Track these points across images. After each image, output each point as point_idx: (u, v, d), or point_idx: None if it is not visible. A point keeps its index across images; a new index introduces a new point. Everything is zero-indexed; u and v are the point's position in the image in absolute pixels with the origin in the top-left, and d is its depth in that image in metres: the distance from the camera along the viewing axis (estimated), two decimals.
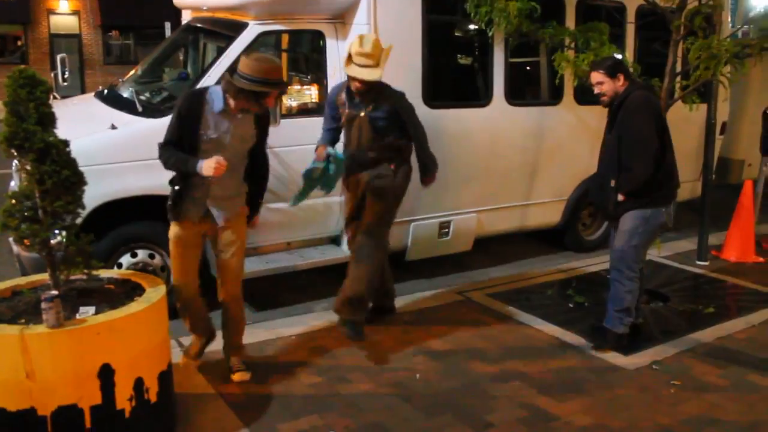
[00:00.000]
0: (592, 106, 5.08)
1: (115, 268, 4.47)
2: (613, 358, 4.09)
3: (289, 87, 3.50)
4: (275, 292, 5.32)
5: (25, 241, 3.00)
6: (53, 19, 22.03)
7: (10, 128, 2.78)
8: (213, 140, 3.37)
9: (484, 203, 5.73)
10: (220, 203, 3.52)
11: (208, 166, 3.26)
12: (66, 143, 2.93)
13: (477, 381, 3.79)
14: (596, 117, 5.24)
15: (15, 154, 2.86)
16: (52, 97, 6.37)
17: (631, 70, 5.11)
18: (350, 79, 4.10)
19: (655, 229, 4.12)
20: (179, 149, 3.37)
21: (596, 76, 4.01)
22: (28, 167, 2.85)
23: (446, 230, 5.62)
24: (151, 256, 4.66)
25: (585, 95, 5.48)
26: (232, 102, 3.35)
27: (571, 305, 4.97)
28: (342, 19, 4.94)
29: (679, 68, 5.14)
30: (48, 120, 2.88)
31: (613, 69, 3.98)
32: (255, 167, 3.65)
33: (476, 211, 5.71)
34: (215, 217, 3.53)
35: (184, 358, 3.89)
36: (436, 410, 3.47)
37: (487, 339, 4.38)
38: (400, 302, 4.95)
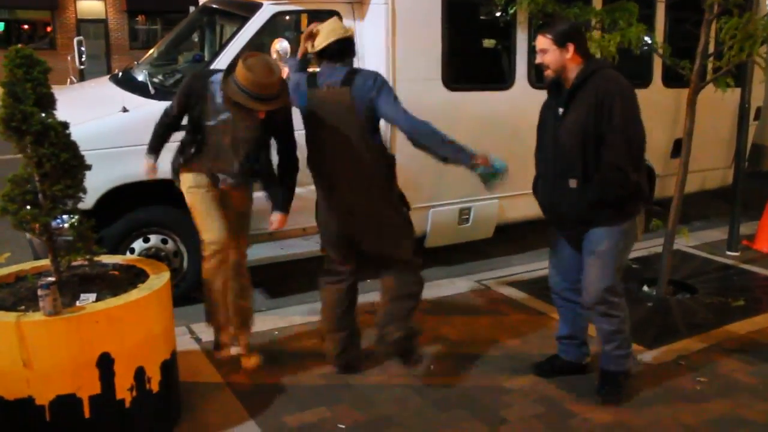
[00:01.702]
0: None
1: (128, 253, 4.43)
2: (636, 351, 3.91)
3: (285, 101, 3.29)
4: (289, 279, 5.23)
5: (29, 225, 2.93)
6: (80, 4, 22.23)
7: (6, 109, 2.69)
8: (212, 127, 3.29)
9: (506, 189, 5.52)
10: (222, 171, 3.47)
11: (145, 168, 3.47)
12: (65, 125, 2.84)
13: (492, 373, 3.66)
14: None
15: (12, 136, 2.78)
16: (69, 80, 6.36)
17: (660, 50, 4.90)
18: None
19: (631, 244, 3.34)
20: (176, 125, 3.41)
21: (541, 41, 3.19)
22: (27, 150, 2.77)
23: (466, 217, 5.49)
24: (164, 242, 4.60)
25: None
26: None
27: None
28: None
29: (711, 50, 4.91)
30: (47, 101, 2.79)
31: (563, 37, 3.12)
32: (280, 159, 3.52)
33: (497, 198, 5.55)
34: (221, 179, 3.47)
35: (222, 353, 3.74)
36: (448, 404, 3.35)
37: (504, 329, 4.24)
38: None
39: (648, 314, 4.48)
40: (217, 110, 3.29)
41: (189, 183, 3.50)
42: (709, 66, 4.85)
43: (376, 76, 3.34)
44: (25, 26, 23.13)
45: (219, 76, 3.32)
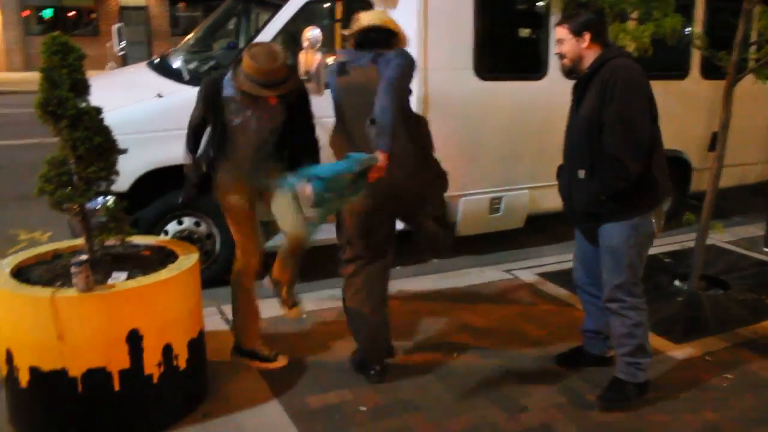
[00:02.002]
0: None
1: (162, 235, 4.54)
2: (664, 346, 3.88)
3: (294, 84, 3.25)
4: (321, 264, 5.28)
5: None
6: None
7: (43, 94, 2.79)
8: (238, 126, 3.29)
9: (538, 179, 5.53)
10: (254, 171, 3.45)
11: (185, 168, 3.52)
12: (99, 110, 2.93)
13: (516, 362, 3.67)
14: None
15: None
16: (108, 66, 6.52)
17: (697, 42, 4.81)
18: None
19: (647, 240, 3.22)
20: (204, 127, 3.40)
21: (558, 31, 3.23)
22: (63, 134, 2.87)
23: (497, 206, 5.48)
24: (197, 224, 4.71)
25: None
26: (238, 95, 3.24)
27: None
28: None
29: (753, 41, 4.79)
30: (81, 87, 2.88)
31: (579, 26, 3.12)
32: (301, 145, 3.46)
33: (529, 188, 5.53)
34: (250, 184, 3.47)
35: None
36: (469, 391, 3.38)
37: (531, 320, 4.24)
38: (446, 278, 4.86)
39: (678, 309, 4.43)
40: (236, 109, 3.26)
41: (226, 199, 3.47)
42: (751, 57, 4.74)
43: (405, 53, 3.32)
44: (72, 13, 23.64)
45: (229, 77, 3.29)
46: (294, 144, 3.44)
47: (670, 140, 3.62)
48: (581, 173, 3.14)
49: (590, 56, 3.15)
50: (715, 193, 4.59)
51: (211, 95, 3.29)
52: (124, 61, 9.38)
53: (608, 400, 3.26)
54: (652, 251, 5.16)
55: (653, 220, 3.19)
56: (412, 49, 4.71)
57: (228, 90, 3.25)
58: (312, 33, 4.19)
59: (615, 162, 3.01)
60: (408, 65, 3.29)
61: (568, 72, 3.29)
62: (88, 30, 22.38)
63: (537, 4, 5.16)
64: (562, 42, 3.19)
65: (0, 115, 12.76)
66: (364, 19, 3.36)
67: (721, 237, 5.47)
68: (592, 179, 3.10)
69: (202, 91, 3.34)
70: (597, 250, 3.28)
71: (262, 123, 3.33)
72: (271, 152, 3.46)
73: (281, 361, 3.61)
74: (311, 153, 3.48)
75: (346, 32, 3.45)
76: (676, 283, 4.85)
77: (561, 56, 3.23)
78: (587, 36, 3.12)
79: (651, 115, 3.09)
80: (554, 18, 5.21)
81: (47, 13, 23.06)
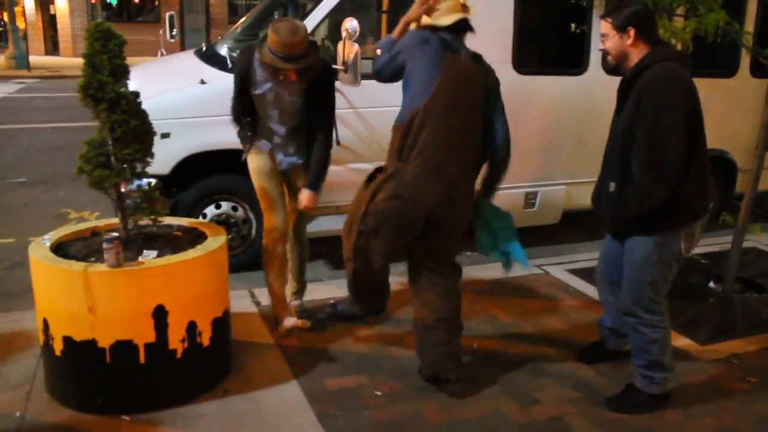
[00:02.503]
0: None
1: (200, 218, 4.70)
2: (689, 345, 3.84)
3: (312, 59, 3.35)
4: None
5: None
6: None
7: (85, 78, 2.95)
8: (257, 96, 3.48)
9: (575, 176, 5.50)
10: (279, 149, 3.63)
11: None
12: (136, 94, 3.07)
13: (534, 356, 3.69)
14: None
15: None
16: (160, 53, 6.72)
17: (743, 42, 4.68)
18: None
19: (672, 259, 3.03)
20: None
21: (602, 25, 3.05)
22: (102, 116, 3.03)
23: (533, 201, 5.47)
24: (234, 209, 4.85)
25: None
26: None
27: None
28: None
29: None
30: (120, 72, 3.02)
31: (624, 20, 2.94)
32: (315, 132, 3.59)
33: (565, 184, 5.50)
34: (278, 162, 3.64)
35: (281, 329, 3.82)
36: (484, 381, 3.42)
37: (556, 315, 4.25)
38: (475, 270, 4.89)
39: (708, 310, 4.35)
40: (260, 80, 3.47)
41: (253, 166, 3.69)
42: None
43: (494, 72, 3.31)
44: (136, 0, 24.35)
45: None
46: (310, 129, 3.57)
47: (715, 140, 3.51)
48: (612, 185, 3.02)
49: (636, 55, 2.97)
50: (754, 194, 4.48)
51: (245, 61, 3.49)
52: (182, 49, 9.63)
53: (618, 404, 3.22)
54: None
55: (681, 240, 3.02)
56: None
57: (256, 60, 3.45)
58: (350, 24, 4.27)
59: (636, 185, 2.87)
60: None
61: (613, 70, 3.10)
62: (151, 17, 23.03)
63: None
64: (606, 38, 3.04)
65: (65, 98, 13.31)
66: (454, 9, 3.20)
67: (760, 240, 5.31)
68: (620, 195, 2.97)
69: (239, 58, 3.56)
70: (623, 255, 3.17)
71: (281, 99, 3.48)
72: (293, 132, 3.59)
73: (289, 322, 3.78)
74: (323, 140, 3.58)
75: (425, 19, 3.22)
76: (711, 284, 4.77)
77: (605, 53, 3.08)
78: (632, 32, 2.94)
79: (691, 133, 2.84)
80: (597, 11, 5.16)
81: (114, 0, 23.82)
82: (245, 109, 3.61)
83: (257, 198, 3.76)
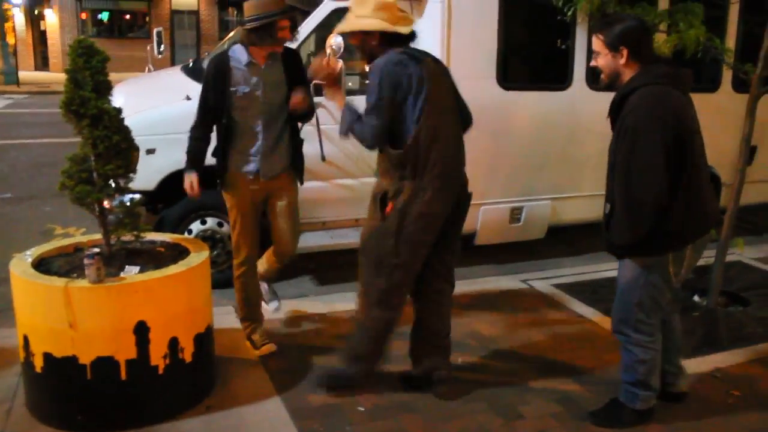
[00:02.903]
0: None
1: (186, 234, 4.69)
2: None
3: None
4: (338, 267, 5.39)
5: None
6: None
7: (68, 94, 2.96)
8: (246, 94, 3.49)
9: (560, 191, 5.54)
10: (264, 157, 3.60)
11: (186, 183, 3.59)
12: (118, 110, 3.08)
13: (519, 371, 3.69)
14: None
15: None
16: (147, 69, 6.73)
17: (724, 58, 4.73)
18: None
19: (662, 283, 2.98)
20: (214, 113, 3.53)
21: (594, 42, 2.93)
22: (84, 132, 3.03)
23: (518, 216, 5.49)
24: (220, 225, 4.85)
25: None
26: (257, 50, 3.45)
27: None
28: None
29: None
30: (103, 88, 3.04)
31: (616, 39, 2.82)
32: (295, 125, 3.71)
33: (550, 199, 5.53)
34: (261, 174, 3.61)
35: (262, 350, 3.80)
36: (468, 396, 3.41)
37: (541, 329, 4.25)
38: (460, 285, 4.88)
39: (692, 324, 4.36)
40: (244, 78, 3.48)
41: (233, 192, 3.66)
42: None
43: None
44: (127, 16, 24.45)
45: (235, 46, 3.56)
46: (293, 129, 3.66)
47: None
48: (607, 207, 2.94)
49: (628, 74, 2.86)
50: (737, 208, 4.53)
51: (220, 63, 3.50)
52: (172, 65, 9.65)
53: (601, 418, 3.20)
54: None
55: (670, 266, 2.96)
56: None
57: (234, 61, 3.48)
58: (335, 40, 4.32)
59: (618, 220, 2.83)
60: None
61: (607, 87, 3.00)
62: (141, 32, 23.10)
63: (563, 16, 5.14)
64: (598, 55, 2.92)
65: (54, 113, 13.26)
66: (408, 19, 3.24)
67: (745, 253, 5.36)
68: (611, 218, 2.90)
69: (210, 69, 3.55)
70: None
71: (268, 91, 3.51)
72: (280, 133, 3.61)
73: (266, 349, 3.77)
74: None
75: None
76: (696, 298, 4.79)
77: (598, 71, 2.98)
78: (625, 52, 2.83)
79: (677, 155, 2.74)
80: (580, 28, 5.22)
81: (104, 16, 23.91)
82: (214, 119, 3.58)
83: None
